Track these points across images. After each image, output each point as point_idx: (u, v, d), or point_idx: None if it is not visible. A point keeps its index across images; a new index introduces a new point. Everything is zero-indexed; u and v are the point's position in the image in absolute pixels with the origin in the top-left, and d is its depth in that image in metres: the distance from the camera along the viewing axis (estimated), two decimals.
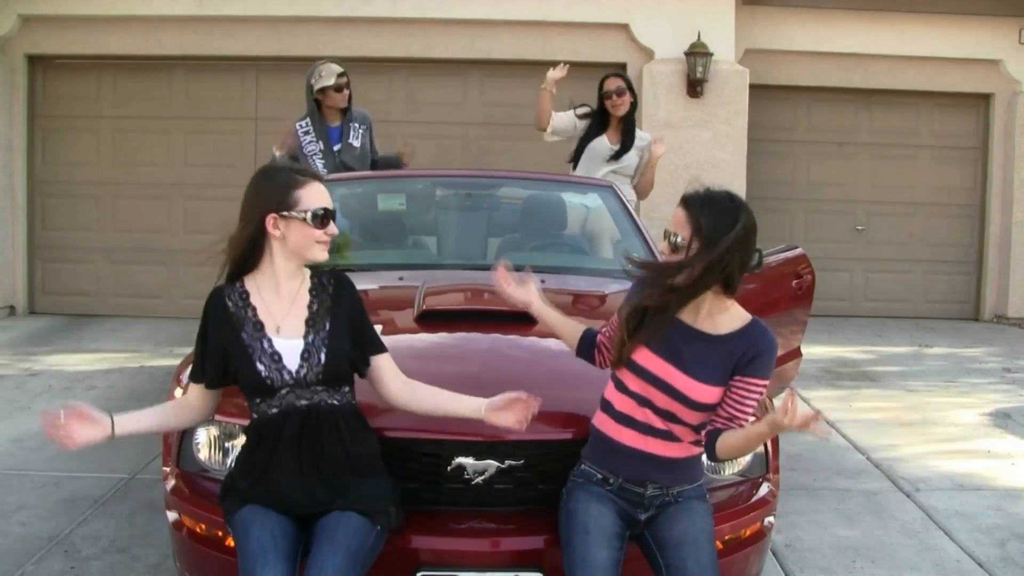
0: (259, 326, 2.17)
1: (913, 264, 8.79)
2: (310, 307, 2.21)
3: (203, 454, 2.42)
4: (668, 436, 2.16)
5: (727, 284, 2.12)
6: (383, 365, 2.26)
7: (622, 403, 2.18)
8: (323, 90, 4.81)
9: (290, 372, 2.14)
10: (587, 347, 2.38)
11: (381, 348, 2.27)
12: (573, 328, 2.41)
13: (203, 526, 2.32)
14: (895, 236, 8.75)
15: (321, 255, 2.20)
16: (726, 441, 2.12)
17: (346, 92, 4.88)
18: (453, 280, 3.32)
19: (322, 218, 2.17)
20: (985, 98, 8.63)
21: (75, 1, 7.66)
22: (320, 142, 4.88)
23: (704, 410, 2.14)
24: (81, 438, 2.08)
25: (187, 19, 7.68)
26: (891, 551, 3.40)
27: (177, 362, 3.02)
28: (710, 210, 2.08)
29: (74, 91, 8.03)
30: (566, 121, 5.24)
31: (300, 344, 2.16)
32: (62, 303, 8.13)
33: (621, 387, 2.19)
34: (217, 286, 2.23)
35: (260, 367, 2.13)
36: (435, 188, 4.29)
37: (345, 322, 2.21)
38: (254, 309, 2.19)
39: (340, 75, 4.84)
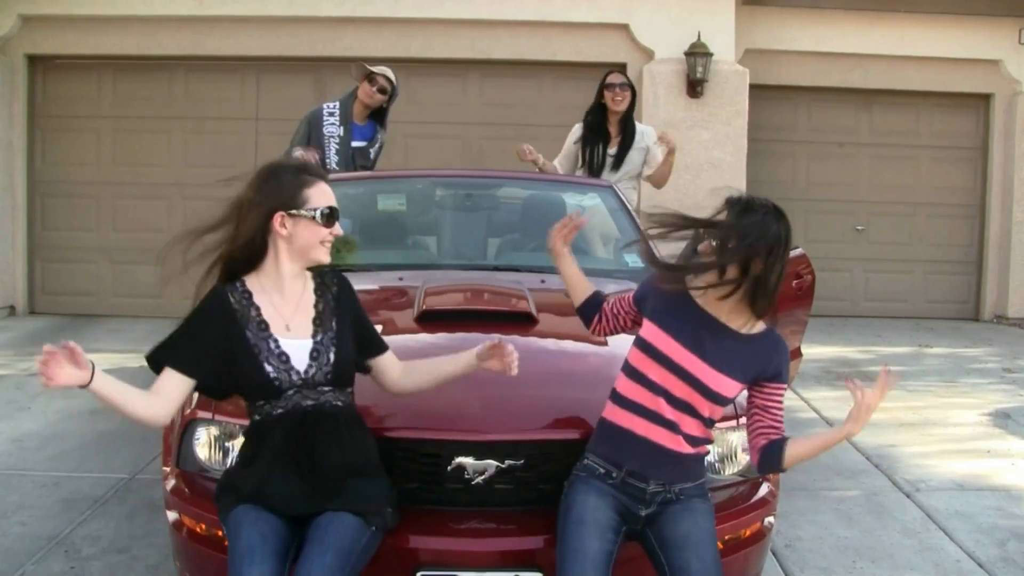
0: (264, 325, 2.15)
1: (913, 264, 8.79)
2: (316, 307, 2.20)
3: (203, 454, 2.41)
4: (677, 428, 2.16)
5: (757, 299, 2.14)
6: (386, 362, 2.29)
7: (636, 392, 2.18)
8: (369, 76, 4.88)
9: (298, 372, 2.12)
10: (590, 308, 2.43)
11: (383, 348, 2.30)
12: (584, 284, 2.46)
13: (203, 526, 2.32)
14: (895, 236, 8.75)
15: (325, 256, 2.19)
16: (795, 450, 2.21)
17: (377, 96, 4.94)
18: (453, 280, 3.32)
19: (329, 217, 2.16)
20: (985, 98, 8.63)
21: (75, 1, 7.66)
22: (341, 128, 4.92)
23: (720, 403, 2.18)
24: (61, 379, 1.98)
25: (187, 19, 7.68)
26: (891, 551, 3.40)
27: None
28: (757, 221, 2.15)
29: (74, 91, 8.04)
30: (568, 153, 5.20)
31: (309, 344, 2.15)
32: (62, 303, 8.13)
33: (637, 376, 2.19)
34: (218, 286, 2.20)
35: (268, 368, 2.11)
36: (435, 188, 4.29)
37: (348, 323, 2.22)
38: (258, 308, 2.17)
39: (386, 79, 4.93)
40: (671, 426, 2.16)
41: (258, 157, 7.86)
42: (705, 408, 2.17)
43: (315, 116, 5.00)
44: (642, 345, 2.20)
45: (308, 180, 2.17)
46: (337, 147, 4.90)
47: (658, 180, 5.14)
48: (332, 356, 2.15)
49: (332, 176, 4.28)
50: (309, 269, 2.24)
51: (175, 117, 8.03)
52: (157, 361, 2.13)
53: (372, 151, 5.05)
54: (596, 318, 2.42)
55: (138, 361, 6.77)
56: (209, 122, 7.99)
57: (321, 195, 2.17)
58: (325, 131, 4.94)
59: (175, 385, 2.10)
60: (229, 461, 2.36)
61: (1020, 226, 8.48)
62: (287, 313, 2.17)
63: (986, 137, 8.68)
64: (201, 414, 2.41)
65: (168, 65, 7.97)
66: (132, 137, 8.04)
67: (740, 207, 2.16)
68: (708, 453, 2.29)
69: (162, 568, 3.09)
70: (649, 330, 2.21)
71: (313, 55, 7.70)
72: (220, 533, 2.27)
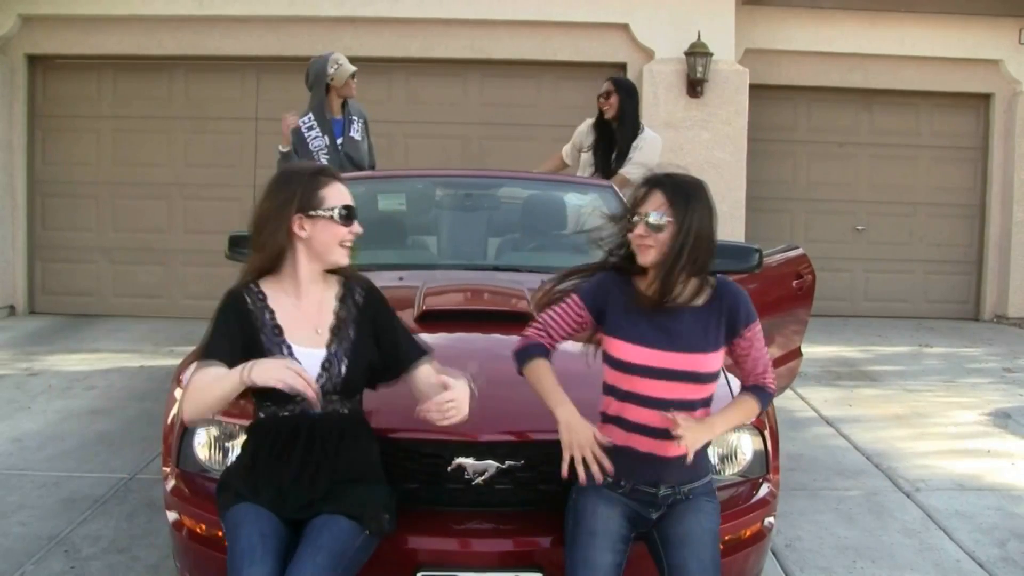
0: (278, 331, 2.14)
1: (913, 264, 8.79)
2: (337, 314, 2.17)
3: (203, 454, 2.42)
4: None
5: (701, 261, 2.16)
6: (421, 374, 2.18)
7: (627, 411, 2.16)
8: (344, 78, 4.91)
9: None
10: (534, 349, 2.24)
11: (420, 353, 2.21)
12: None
13: (203, 526, 2.32)
14: (895, 236, 8.75)
15: (343, 258, 2.17)
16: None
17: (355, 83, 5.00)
18: (453, 280, 3.32)
19: (347, 216, 2.14)
20: (985, 98, 8.63)
21: (75, 1, 7.66)
22: (325, 136, 4.93)
23: (710, 381, 2.17)
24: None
25: (187, 19, 7.68)
26: (891, 551, 3.40)
27: (177, 362, 3.02)
28: (686, 193, 2.16)
29: (74, 91, 8.03)
30: (574, 144, 5.23)
31: (322, 353, 2.13)
32: (62, 303, 8.12)
33: (622, 395, 2.16)
34: (234, 287, 2.19)
35: None
36: (435, 188, 4.29)
37: (371, 332, 2.18)
38: (272, 313, 2.15)
39: (351, 64, 4.98)
40: (671, 432, 2.14)
41: (258, 157, 7.87)
42: (699, 392, 2.16)
43: (297, 134, 5.00)
44: (617, 364, 2.16)
45: (324, 181, 2.17)
46: (327, 157, 4.92)
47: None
48: (344, 368, 2.12)
49: None
50: (335, 273, 2.22)
51: (175, 117, 8.03)
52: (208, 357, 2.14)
53: (355, 133, 5.03)
54: (539, 345, 2.24)
55: (138, 361, 6.80)
56: (209, 122, 7.99)
57: (338, 195, 2.16)
58: (312, 146, 4.96)
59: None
60: (229, 461, 2.36)
61: (1020, 226, 8.48)
62: (303, 319, 2.15)
63: (986, 137, 8.68)
64: None
65: (168, 65, 7.96)
66: (132, 137, 8.03)
67: (659, 180, 2.20)
68: (709, 445, 2.26)
69: (162, 568, 3.09)
70: (617, 347, 2.16)
71: (313, 55, 7.67)
72: (220, 533, 2.27)
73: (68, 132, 8.06)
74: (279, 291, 2.17)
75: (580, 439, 2.09)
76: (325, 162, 4.88)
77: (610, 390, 2.21)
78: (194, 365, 2.15)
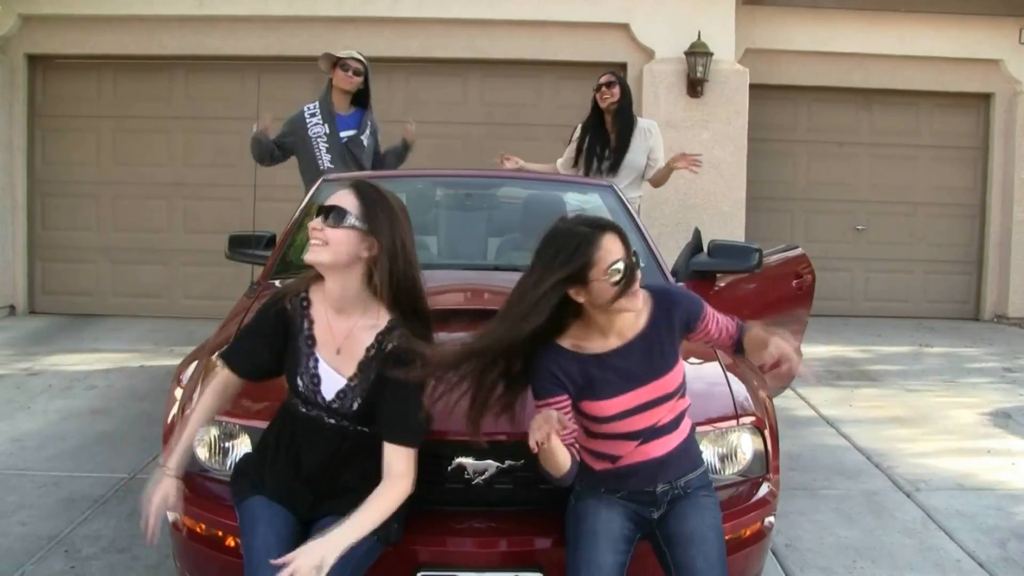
0: (311, 341, 2.14)
1: (913, 264, 8.79)
2: (368, 350, 2.12)
3: (203, 454, 2.41)
4: (662, 432, 2.15)
5: (624, 294, 2.06)
6: (389, 458, 2.06)
7: (609, 447, 2.15)
8: (335, 64, 4.91)
9: (323, 398, 2.12)
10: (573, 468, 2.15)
11: (396, 438, 2.07)
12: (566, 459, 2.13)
13: (203, 526, 2.32)
14: (895, 236, 8.75)
15: (308, 255, 2.11)
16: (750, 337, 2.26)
17: (354, 78, 4.97)
18: (453, 280, 3.32)
19: (317, 212, 2.13)
20: (985, 98, 8.63)
21: (75, 1, 7.66)
22: (326, 125, 4.91)
23: (682, 388, 2.17)
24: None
25: (187, 19, 7.68)
26: (891, 551, 3.40)
27: (177, 362, 3.02)
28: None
29: (74, 91, 8.04)
30: (570, 155, 5.19)
31: (342, 382, 2.11)
32: (62, 303, 8.13)
33: (619, 436, 2.14)
34: (285, 288, 2.21)
35: (299, 381, 2.12)
36: (435, 188, 4.29)
37: (386, 385, 2.09)
38: (311, 322, 2.15)
39: (356, 60, 4.96)
40: (659, 433, 2.14)
41: None
42: (676, 408, 2.16)
43: (297, 120, 4.99)
44: (593, 419, 2.13)
45: (336, 187, 2.20)
46: (327, 146, 4.89)
47: (655, 182, 5.16)
48: (355, 405, 2.11)
49: (332, 176, 4.31)
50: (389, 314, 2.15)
51: (175, 117, 8.03)
52: (224, 359, 2.25)
53: (364, 138, 5.02)
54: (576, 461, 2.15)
55: (138, 361, 6.78)
56: (209, 122, 7.99)
57: (329, 197, 2.16)
58: (311, 132, 4.93)
59: (233, 379, 2.24)
60: (230, 461, 2.36)
61: (1020, 226, 8.48)
62: (335, 339, 2.13)
63: (986, 137, 8.68)
64: None
65: (168, 65, 7.97)
66: (132, 137, 8.04)
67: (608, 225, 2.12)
68: (692, 427, 2.25)
69: (162, 568, 3.09)
70: (587, 407, 2.12)
71: (313, 55, 7.65)
72: (220, 533, 2.27)
73: (68, 132, 8.06)
74: (322, 301, 2.17)
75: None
76: (324, 150, 4.88)
77: (589, 434, 2.17)
78: (217, 365, 2.25)
